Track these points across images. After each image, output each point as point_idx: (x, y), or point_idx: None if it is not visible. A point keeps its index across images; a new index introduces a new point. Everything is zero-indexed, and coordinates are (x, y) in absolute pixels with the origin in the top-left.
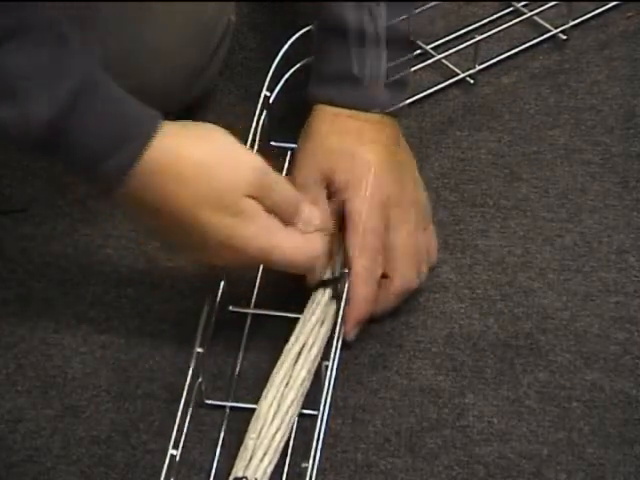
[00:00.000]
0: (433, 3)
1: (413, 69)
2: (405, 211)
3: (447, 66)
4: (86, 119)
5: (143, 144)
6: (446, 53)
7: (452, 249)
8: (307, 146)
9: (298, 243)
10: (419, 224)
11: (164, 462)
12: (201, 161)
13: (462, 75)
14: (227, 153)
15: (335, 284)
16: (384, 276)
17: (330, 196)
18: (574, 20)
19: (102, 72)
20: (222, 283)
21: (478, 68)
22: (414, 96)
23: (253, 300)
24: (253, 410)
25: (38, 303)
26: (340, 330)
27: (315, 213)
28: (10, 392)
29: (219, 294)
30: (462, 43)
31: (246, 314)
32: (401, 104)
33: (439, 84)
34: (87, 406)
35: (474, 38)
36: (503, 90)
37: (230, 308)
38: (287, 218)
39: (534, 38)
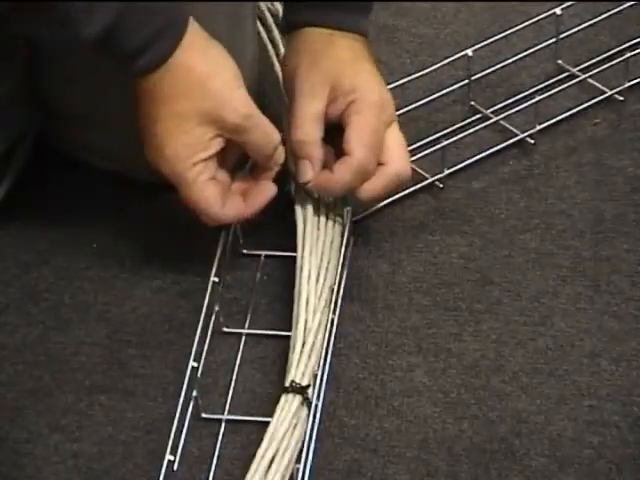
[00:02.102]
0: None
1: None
2: (392, 110)
3: (416, 170)
4: (130, 22)
5: (178, 38)
6: (414, 157)
7: (425, 353)
8: (307, 60)
9: (211, 200)
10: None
11: None
12: (203, 71)
13: (430, 179)
14: (228, 82)
15: (305, 390)
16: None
17: (331, 102)
18: (541, 125)
19: None
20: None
21: (446, 172)
22: (386, 201)
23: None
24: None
25: (9, 412)
26: (312, 435)
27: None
28: None
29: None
30: (431, 148)
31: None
32: None
33: (407, 189)
34: None
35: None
36: (474, 195)
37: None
38: (258, 156)
39: (503, 142)
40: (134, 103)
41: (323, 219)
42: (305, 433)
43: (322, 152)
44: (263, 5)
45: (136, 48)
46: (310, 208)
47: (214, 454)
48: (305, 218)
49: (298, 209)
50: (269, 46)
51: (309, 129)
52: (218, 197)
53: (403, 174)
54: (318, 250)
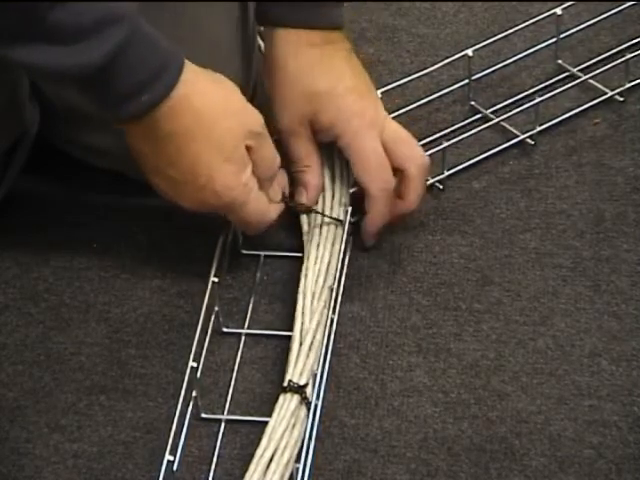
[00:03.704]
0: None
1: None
2: (376, 114)
3: None
4: (130, 59)
5: (176, 77)
6: None
7: (425, 353)
8: (283, 92)
9: (263, 208)
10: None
11: None
12: (216, 102)
13: (431, 180)
14: (239, 98)
15: (303, 390)
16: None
17: (314, 134)
18: (541, 126)
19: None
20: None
21: (447, 174)
22: None
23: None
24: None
25: (10, 412)
26: (311, 435)
27: (282, 185)
28: None
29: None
30: (432, 149)
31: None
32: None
33: None
34: None
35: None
36: (474, 195)
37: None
38: (265, 175)
39: (503, 144)
40: (147, 168)
41: (325, 219)
42: (304, 433)
43: (320, 178)
44: None
45: (140, 82)
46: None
47: (214, 454)
48: (309, 219)
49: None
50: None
51: (305, 161)
52: (268, 203)
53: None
54: (319, 250)
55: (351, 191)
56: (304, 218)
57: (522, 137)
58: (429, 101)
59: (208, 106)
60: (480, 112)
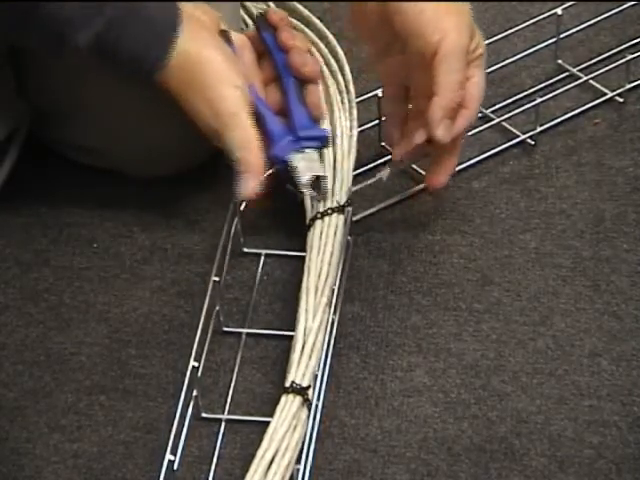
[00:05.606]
0: None
1: (384, 175)
2: None
3: (417, 171)
4: (124, 35)
5: (164, 55)
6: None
7: (425, 353)
8: None
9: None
10: None
11: None
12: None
13: None
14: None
15: (306, 391)
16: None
17: None
18: (541, 126)
19: None
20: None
21: None
22: (386, 201)
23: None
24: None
25: (9, 412)
26: (312, 436)
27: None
28: None
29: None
30: None
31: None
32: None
33: (410, 189)
34: None
35: None
36: (474, 194)
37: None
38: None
39: (503, 144)
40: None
41: (327, 219)
42: (305, 433)
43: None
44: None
45: (133, 58)
46: (316, 209)
47: (214, 454)
48: (314, 218)
49: (308, 209)
50: None
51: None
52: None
53: None
54: (321, 250)
55: (352, 189)
56: (309, 214)
57: (522, 137)
58: None
59: (205, 72)
60: (480, 112)
